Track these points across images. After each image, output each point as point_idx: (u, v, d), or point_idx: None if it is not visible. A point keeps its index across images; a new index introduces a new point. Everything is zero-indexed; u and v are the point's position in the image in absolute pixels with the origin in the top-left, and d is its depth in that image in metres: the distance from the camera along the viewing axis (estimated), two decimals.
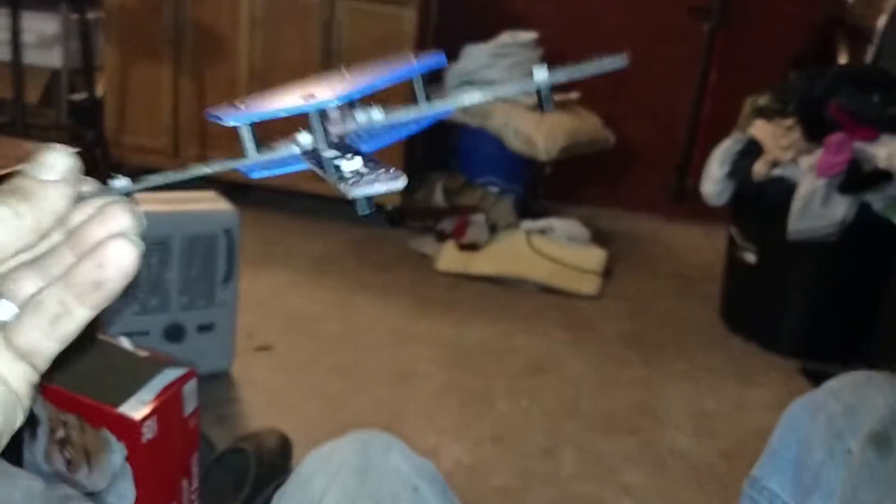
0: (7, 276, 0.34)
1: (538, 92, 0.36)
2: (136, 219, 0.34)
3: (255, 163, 0.36)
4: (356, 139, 0.37)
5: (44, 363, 0.34)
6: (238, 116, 0.35)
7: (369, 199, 0.35)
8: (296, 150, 0.36)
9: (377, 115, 0.36)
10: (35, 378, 0.34)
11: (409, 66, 0.37)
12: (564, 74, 0.36)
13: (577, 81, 3.40)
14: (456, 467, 1.76)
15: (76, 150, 0.35)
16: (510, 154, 2.97)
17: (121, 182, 0.36)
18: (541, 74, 0.36)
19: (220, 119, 0.36)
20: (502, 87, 0.37)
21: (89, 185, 0.35)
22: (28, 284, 0.34)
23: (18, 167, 0.37)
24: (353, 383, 2.04)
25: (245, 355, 2.03)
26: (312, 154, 0.36)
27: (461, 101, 0.36)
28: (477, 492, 1.70)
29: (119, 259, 0.32)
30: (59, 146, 0.34)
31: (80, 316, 0.33)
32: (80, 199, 0.35)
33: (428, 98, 0.38)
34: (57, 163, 0.33)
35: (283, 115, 0.36)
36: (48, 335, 0.33)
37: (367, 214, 0.35)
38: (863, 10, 2.93)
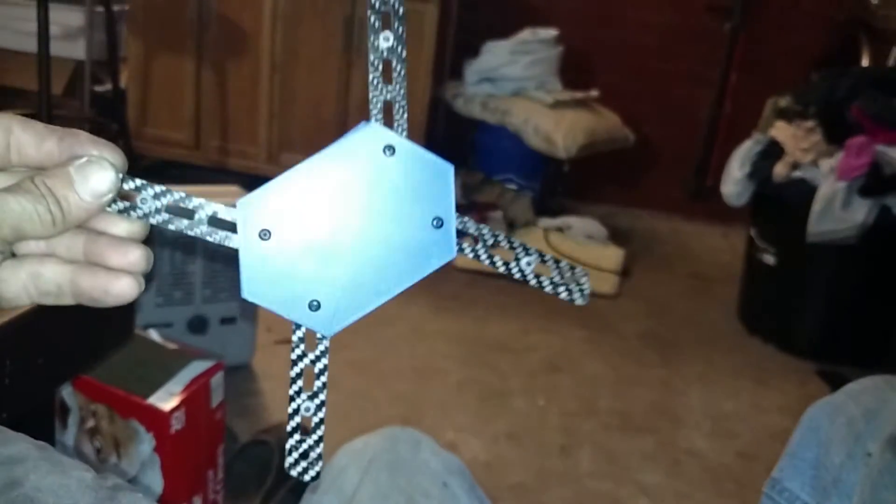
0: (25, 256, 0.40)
1: None
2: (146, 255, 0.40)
3: None
4: None
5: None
6: None
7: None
8: None
9: None
10: None
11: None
12: None
13: (597, 79, 3.39)
14: (473, 464, 1.77)
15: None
16: (529, 151, 2.97)
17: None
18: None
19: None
20: None
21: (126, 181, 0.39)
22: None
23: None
24: (371, 378, 2.05)
25: (265, 348, 2.05)
26: None
27: None
28: (493, 489, 1.71)
29: (122, 292, 0.38)
30: (108, 156, 0.37)
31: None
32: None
33: None
34: (99, 188, 0.37)
35: None
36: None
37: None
38: (886, 12, 2.91)
